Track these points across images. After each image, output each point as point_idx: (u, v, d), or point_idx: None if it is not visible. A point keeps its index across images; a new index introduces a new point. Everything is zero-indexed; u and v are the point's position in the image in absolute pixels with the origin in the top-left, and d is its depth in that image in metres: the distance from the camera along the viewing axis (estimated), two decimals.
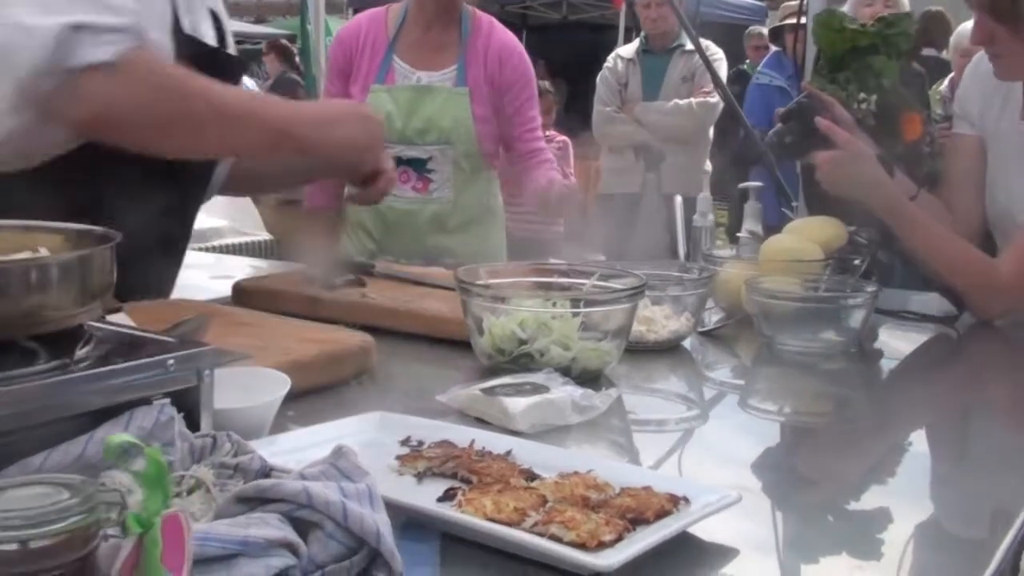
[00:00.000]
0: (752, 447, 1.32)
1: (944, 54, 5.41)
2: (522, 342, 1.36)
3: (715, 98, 4.93)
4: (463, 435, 1.08)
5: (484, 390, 1.23)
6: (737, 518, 0.97)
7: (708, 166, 5.16)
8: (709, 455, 1.29)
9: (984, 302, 1.85)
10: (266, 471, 0.94)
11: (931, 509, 1.19)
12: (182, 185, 1.66)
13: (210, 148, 1.56)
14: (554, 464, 1.00)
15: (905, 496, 1.18)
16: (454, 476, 0.99)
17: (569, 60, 9.56)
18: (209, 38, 1.68)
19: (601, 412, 1.24)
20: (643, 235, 2.67)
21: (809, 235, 1.83)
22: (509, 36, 2.66)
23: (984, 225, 2.01)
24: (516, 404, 1.18)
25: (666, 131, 4.99)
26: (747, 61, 7.11)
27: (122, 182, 1.48)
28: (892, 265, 2.02)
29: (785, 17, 6.13)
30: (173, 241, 1.74)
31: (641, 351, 1.58)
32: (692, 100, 4.94)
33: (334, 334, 1.43)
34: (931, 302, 2.00)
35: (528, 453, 1.03)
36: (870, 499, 1.16)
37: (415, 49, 2.58)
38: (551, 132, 5.84)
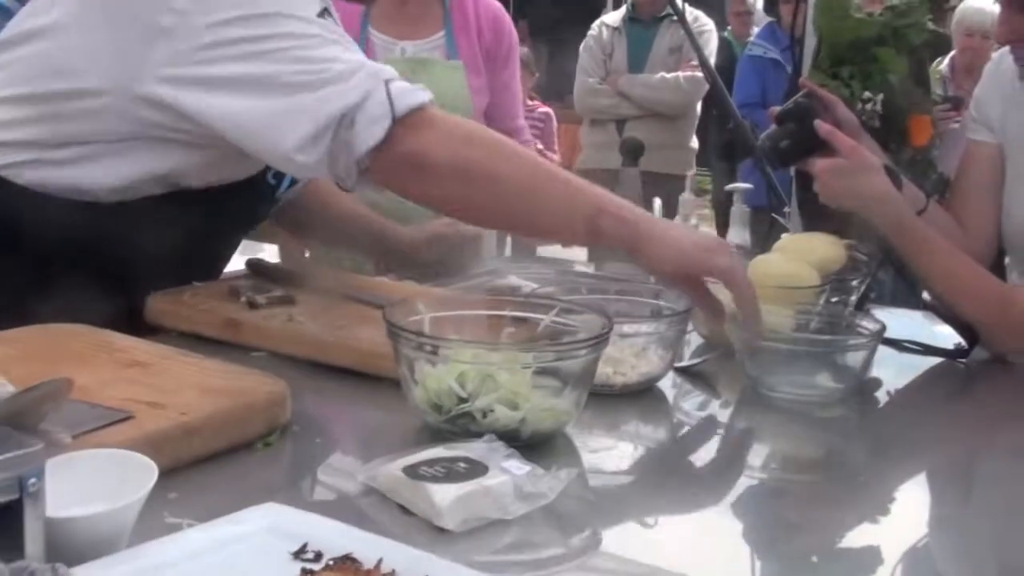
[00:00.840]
0: (733, 500, 1.14)
1: (945, 29, 5.16)
2: (462, 399, 1.14)
3: None
4: (371, 547, 0.86)
5: (408, 469, 1.01)
6: (714, 565, 0.96)
7: (695, 143, 4.93)
8: (683, 517, 1.11)
9: (1000, 335, 1.63)
10: None
11: (929, 558, 1.06)
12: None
13: (510, 210, 1.38)
14: None
15: (900, 542, 1.04)
16: None
17: (554, 21, 9.26)
18: None
19: (549, 501, 1.02)
20: None
21: (803, 255, 1.61)
22: (495, 2, 2.45)
23: (998, 243, 1.80)
24: (444, 495, 0.96)
25: (651, 106, 4.76)
26: (728, 28, 6.76)
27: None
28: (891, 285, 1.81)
29: None
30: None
31: (607, 395, 1.36)
32: (680, 74, 4.71)
33: (241, 381, 1.21)
34: (916, 323, 1.79)
35: None
36: (860, 541, 1.07)
37: (393, 20, 2.35)
38: (533, 102, 5.60)
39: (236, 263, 1.87)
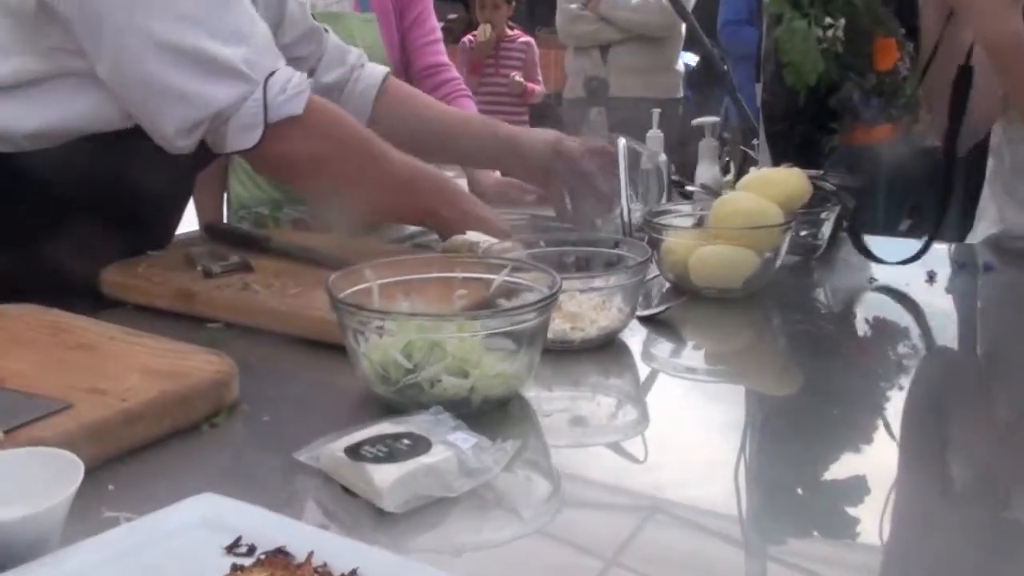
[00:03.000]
0: (708, 439, 1.14)
1: None
2: (409, 371, 1.11)
3: None
4: (304, 539, 0.84)
5: (350, 450, 0.99)
6: (695, 502, 0.95)
7: (680, 65, 4.85)
8: (652, 466, 1.08)
9: None
10: None
11: (915, 486, 1.04)
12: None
13: (374, 206, 1.57)
14: None
15: (884, 471, 1.04)
16: None
17: None
18: None
19: (495, 475, 1.00)
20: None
21: (768, 192, 1.57)
22: None
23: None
24: (384, 476, 0.94)
25: (635, 28, 4.68)
26: None
27: (128, 153, 1.47)
28: (865, 208, 1.78)
29: None
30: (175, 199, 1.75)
31: (566, 351, 1.34)
32: None
33: (187, 361, 1.18)
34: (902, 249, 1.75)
35: (381, 572, 0.80)
36: (844, 472, 1.06)
37: None
38: (513, 32, 5.50)
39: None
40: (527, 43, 5.36)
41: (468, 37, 5.48)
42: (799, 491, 1.03)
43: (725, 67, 2.21)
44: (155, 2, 1.35)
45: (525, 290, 1.29)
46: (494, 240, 1.48)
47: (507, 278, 1.26)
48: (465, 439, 1.02)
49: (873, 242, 1.80)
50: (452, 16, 8.35)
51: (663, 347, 1.45)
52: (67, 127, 1.46)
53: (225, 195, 2.48)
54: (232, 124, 1.38)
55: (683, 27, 4.86)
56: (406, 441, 1.00)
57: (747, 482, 1.04)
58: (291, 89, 1.40)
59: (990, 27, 1.56)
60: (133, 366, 1.16)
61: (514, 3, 5.42)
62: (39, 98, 1.43)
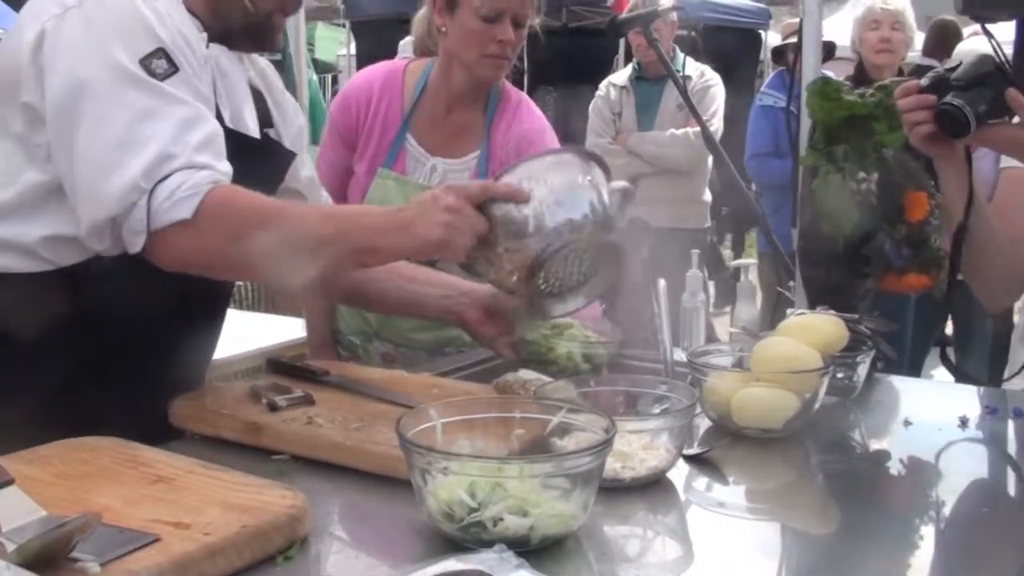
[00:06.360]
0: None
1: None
2: (473, 509, 1.18)
3: (713, 126, 4.75)
4: None
5: None
6: None
7: (707, 196, 4.97)
8: None
9: None
10: None
11: None
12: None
13: (296, 273, 1.51)
14: None
15: None
16: None
17: (569, 68, 9.28)
18: (252, 128, 1.69)
19: None
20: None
21: (807, 338, 1.65)
22: (536, 117, 2.35)
23: None
24: None
25: (662, 162, 4.81)
26: None
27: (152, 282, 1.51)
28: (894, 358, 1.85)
29: (787, 36, 5.93)
30: (208, 329, 1.79)
31: (616, 488, 1.40)
32: (689, 130, 4.75)
33: (262, 496, 1.25)
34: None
35: None
36: None
37: (433, 130, 2.28)
38: None
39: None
40: None
41: None
42: None
43: (761, 210, 2.31)
44: (85, 110, 1.44)
45: (579, 429, 1.36)
46: (546, 379, 1.55)
47: (563, 419, 1.33)
48: None
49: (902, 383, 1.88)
50: None
51: (706, 484, 1.51)
52: (73, 232, 1.53)
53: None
54: (125, 229, 1.44)
55: (710, 160, 5.01)
56: None
57: None
58: (180, 194, 1.42)
59: None
60: (212, 500, 1.24)
61: None
62: (46, 208, 1.53)
